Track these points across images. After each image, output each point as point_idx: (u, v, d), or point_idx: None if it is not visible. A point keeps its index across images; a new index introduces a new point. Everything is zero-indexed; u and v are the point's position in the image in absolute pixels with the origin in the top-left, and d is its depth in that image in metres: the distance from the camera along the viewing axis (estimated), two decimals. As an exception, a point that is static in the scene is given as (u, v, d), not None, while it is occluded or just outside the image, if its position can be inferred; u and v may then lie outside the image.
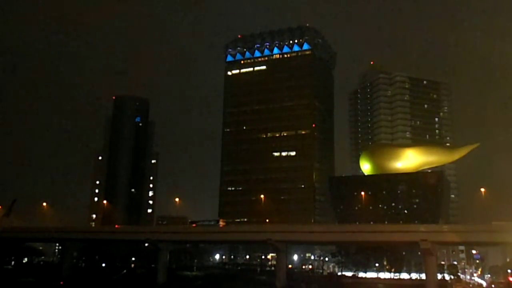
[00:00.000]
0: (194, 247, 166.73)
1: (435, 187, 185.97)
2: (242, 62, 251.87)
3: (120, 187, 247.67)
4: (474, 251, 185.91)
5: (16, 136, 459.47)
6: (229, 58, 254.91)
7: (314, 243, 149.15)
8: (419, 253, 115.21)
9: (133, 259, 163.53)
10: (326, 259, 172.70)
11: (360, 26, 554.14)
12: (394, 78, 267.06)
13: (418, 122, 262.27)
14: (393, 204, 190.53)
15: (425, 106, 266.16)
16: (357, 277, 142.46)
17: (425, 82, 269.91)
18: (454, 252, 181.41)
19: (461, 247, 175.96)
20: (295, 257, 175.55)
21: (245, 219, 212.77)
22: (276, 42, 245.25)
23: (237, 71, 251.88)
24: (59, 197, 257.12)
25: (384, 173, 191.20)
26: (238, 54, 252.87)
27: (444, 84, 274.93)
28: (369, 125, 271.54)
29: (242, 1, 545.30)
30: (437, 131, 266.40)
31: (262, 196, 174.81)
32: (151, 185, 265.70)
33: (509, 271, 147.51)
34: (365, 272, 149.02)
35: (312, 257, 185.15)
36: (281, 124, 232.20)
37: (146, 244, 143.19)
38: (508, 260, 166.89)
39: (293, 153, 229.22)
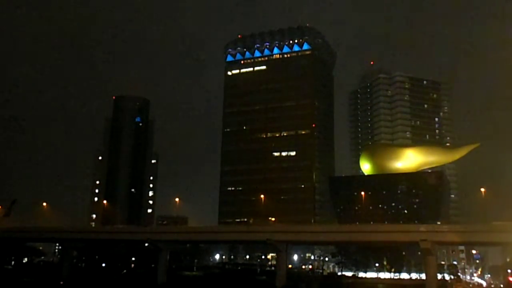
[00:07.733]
0: (194, 247, 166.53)
1: (435, 187, 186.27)
2: (242, 62, 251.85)
3: (120, 187, 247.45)
4: (474, 251, 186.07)
5: (16, 136, 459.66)
6: (229, 58, 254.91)
7: (314, 243, 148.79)
8: (419, 253, 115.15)
9: (133, 259, 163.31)
10: (326, 259, 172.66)
11: (360, 26, 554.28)
12: (394, 78, 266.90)
13: (418, 122, 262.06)
14: (393, 204, 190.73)
15: (425, 106, 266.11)
16: (357, 277, 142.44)
17: (425, 82, 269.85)
18: (454, 252, 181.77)
19: (461, 247, 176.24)
20: (295, 257, 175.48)
21: (245, 219, 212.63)
22: (276, 42, 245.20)
23: (237, 71, 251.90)
24: (59, 197, 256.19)
25: (384, 173, 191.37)
26: (238, 54, 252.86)
27: (444, 84, 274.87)
28: (369, 125, 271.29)
29: (242, 1, 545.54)
30: (437, 131, 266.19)
31: (262, 196, 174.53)
32: (151, 185, 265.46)
33: (509, 271, 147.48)
34: (365, 272, 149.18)
35: (312, 257, 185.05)
36: (281, 124, 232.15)
37: (146, 244, 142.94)
38: (508, 260, 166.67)
39: (293, 153, 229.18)
